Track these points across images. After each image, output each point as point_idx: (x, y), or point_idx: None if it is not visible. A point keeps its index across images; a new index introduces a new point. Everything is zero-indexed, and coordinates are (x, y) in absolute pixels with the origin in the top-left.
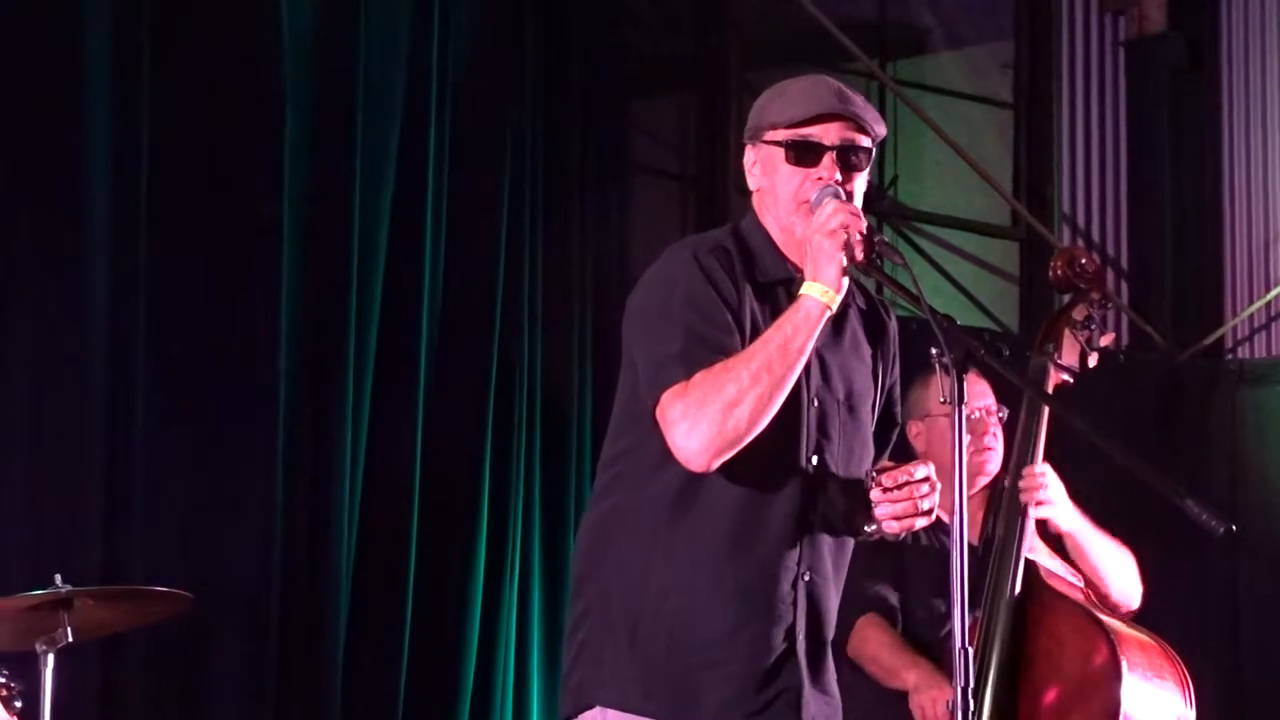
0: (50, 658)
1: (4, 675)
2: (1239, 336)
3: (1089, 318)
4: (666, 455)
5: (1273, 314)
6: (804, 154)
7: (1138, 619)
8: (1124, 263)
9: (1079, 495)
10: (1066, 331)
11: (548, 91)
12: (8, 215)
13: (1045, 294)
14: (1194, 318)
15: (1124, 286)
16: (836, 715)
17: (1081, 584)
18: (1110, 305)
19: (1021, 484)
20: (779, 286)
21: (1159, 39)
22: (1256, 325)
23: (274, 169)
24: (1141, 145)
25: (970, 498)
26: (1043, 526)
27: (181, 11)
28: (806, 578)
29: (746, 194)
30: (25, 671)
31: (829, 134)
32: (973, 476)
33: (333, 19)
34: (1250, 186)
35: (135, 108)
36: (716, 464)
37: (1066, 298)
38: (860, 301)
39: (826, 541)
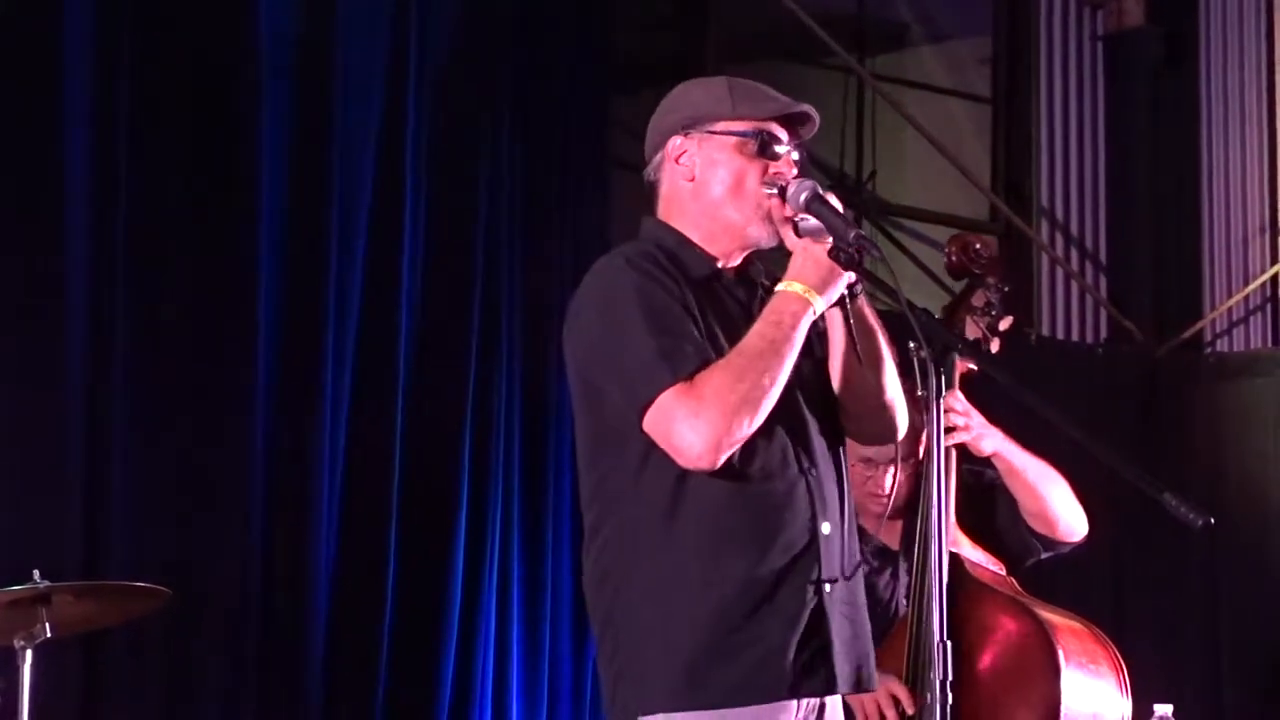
0: (29, 653)
1: None
2: (1217, 330)
3: (989, 304)
4: (646, 458)
5: (1251, 307)
6: (768, 147)
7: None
8: (1102, 256)
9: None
10: (967, 319)
11: (527, 87)
12: None
13: (1024, 288)
14: (1172, 311)
15: (1102, 280)
16: (871, 670)
17: (1004, 572)
18: (1007, 289)
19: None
20: (710, 281)
21: (1137, 33)
22: (1235, 319)
23: (252, 161)
24: (1120, 139)
25: (890, 517)
26: (960, 515)
27: (161, 12)
28: (825, 530)
29: None
30: (4, 667)
31: (784, 133)
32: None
33: (311, 13)
34: (1228, 180)
35: (113, 105)
36: (721, 461)
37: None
38: (766, 279)
39: (829, 488)
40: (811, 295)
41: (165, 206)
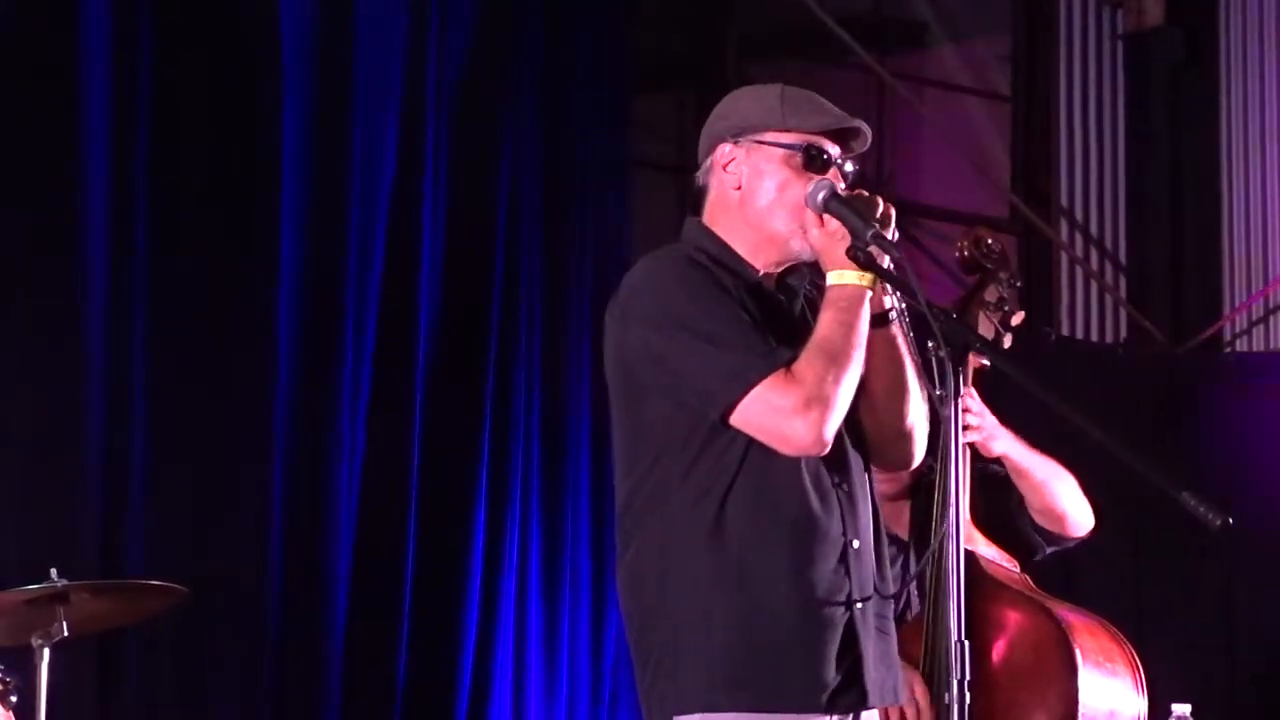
0: (46, 652)
1: (0, 670)
2: (1237, 330)
3: (1001, 299)
4: (693, 463)
5: (1271, 307)
6: (816, 161)
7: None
8: (1122, 256)
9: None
10: (980, 314)
11: (547, 86)
12: (4, 197)
13: (1043, 288)
14: (1192, 311)
15: (1122, 280)
16: (899, 684)
17: (1018, 570)
18: (1018, 283)
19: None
20: (754, 289)
21: (1157, 32)
22: (1254, 319)
23: (272, 163)
24: (1140, 139)
25: (894, 497)
26: (974, 512)
27: (180, 13)
28: (855, 545)
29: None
30: (21, 666)
31: (833, 147)
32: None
33: (329, 14)
34: (1248, 180)
35: (133, 109)
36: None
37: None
38: (808, 284)
39: (860, 505)
40: (863, 278)
41: (185, 208)
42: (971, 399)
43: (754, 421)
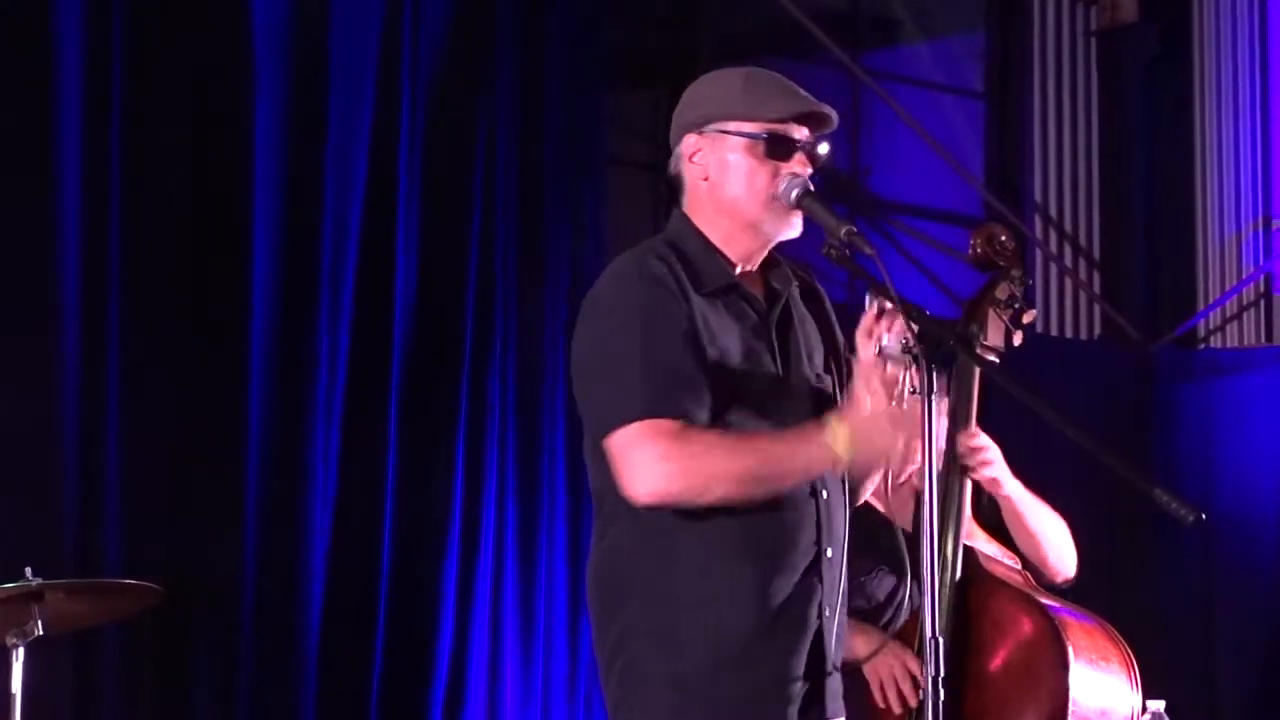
0: (21, 651)
1: None
2: (1211, 327)
3: (1012, 296)
4: None
5: (1245, 304)
6: (779, 148)
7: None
8: (1096, 253)
9: (1043, 481)
10: (991, 312)
11: (521, 82)
12: None
13: None
14: (1166, 308)
15: (1096, 277)
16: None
17: (1018, 566)
18: (1031, 281)
19: (961, 450)
20: (727, 293)
21: (1131, 29)
22: (1228, 315)
23: (245, 159)
24: (1113, 135)
25: (900, 486)
26: (976, 509)
27: (153, 4)
28: (829, 554)
29: None
30: None
31: (799, 130)
32: (904, 465)
33: (304, 9)
34: (1222, 176)
35: (105, 103)
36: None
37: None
38: (794, 280)
39: (837, 513)
40: (848, 457)
41: (158, 205)
42: (981, 438)
43: (613, 453)
